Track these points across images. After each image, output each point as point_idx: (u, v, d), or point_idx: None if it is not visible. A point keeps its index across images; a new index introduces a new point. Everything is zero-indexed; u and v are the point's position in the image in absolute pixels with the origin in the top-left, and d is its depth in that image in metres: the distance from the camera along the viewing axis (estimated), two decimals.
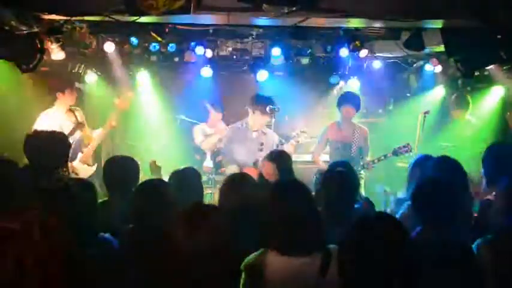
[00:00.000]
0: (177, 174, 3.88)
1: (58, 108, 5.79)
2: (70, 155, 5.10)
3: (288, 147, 5.51)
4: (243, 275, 2.54)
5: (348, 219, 3.30)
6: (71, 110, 5.84)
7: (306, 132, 5.64)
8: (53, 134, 4.06)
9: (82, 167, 5.78)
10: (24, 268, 1.67)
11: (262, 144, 5.67)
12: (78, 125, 5.77)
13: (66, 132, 5.40)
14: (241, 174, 3.90)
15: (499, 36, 4.49)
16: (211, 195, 6.26)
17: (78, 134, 5.83)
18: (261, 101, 5.73)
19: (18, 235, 1.73)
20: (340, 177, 3.63)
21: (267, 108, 5.69)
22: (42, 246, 1.71)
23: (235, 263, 2.53)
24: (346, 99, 6.21)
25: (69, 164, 5.29)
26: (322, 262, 2.50)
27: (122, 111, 5.94)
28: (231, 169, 5.58)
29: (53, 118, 5.63)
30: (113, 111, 5.89)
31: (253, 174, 4.24)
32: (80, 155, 5.82)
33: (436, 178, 3.26)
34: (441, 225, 2.84)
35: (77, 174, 5.59)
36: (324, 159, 6.43)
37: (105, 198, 3.75)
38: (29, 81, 5.81)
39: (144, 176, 4.06)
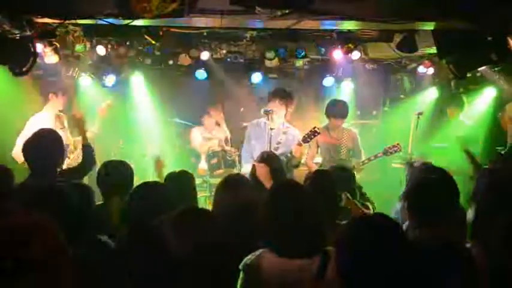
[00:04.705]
0: (171, 177, 3.89)
1: (48, 112, 5.78)
2: None
3: (296, 149, 5.33)
4: (241, 275, 2.53)
5: (331, 225, 3.27)
6: (59, 116, 5.82)
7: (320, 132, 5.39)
8: (46, 132, 4.08)
9: None
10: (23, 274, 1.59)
11: (279, 143, 5.58)
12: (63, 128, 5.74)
13: None
14: (236, 175, 3.90)
15: (489, 38, 4.53)
16: (205, 198, 6.25)
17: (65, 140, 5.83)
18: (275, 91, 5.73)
19: (14, 241, 1.62)
20: (317, 179, 3.63)
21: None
22: (41, 251, 1.64)
23: (232, 263, 2.52)
24: (334, 112, 6.07)
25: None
26: (320, 264, 2.46)
27: (103, 118, 5.98)
28: (247, 168, 5.42)
29: (44, 122, 5.59)
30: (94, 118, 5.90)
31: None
32: (67, 160, 5.79)
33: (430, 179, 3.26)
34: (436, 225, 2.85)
35: None
36: (316, 161, 6.45)
37: (101, 202, 3.76)
38: (22, 84, 5.80)
39: (138, 180, 4.06)
